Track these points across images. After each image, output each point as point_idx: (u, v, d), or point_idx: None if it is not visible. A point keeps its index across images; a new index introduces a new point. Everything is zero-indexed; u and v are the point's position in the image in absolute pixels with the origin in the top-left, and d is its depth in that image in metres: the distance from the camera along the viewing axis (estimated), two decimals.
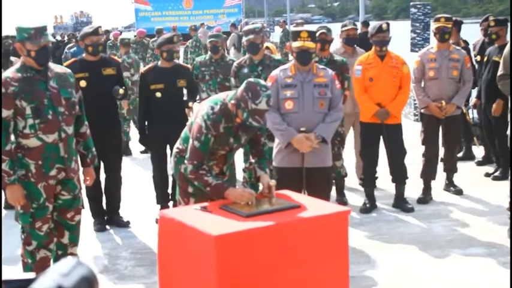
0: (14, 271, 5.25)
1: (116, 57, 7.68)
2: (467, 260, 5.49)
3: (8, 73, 4.61)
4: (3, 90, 4.50)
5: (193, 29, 19.26)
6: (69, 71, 4.92)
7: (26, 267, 4.79)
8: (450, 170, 7.42)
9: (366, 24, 17.04)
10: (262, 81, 4.28)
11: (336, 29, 7.68)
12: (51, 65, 4.77)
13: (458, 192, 7.32)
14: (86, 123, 4.98)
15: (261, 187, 4.47)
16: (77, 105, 4.80)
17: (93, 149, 5.04)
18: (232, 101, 4.24)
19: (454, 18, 8.57)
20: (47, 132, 4.57)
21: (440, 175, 7.31)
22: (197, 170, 4.30)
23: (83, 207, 5.00)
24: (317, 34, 6.73)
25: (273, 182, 4.31)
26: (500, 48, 7.61)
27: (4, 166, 4.52)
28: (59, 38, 26.45)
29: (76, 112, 4.78)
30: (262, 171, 4.47)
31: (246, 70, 6.58)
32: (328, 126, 5.27)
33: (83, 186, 6.46)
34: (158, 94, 6.53)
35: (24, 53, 4.60)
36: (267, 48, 7.35)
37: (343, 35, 7.58)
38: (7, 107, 4.50)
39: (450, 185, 7.43)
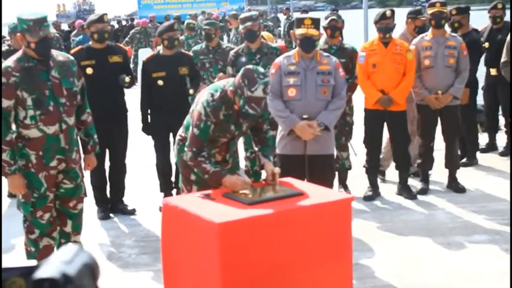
0: (17, 259, 5.27)
1: (122, 45, 7.67)
2: (470, 247, 5.49)
3: (10, 62, 4.58)
4: (4, 80, 4.48)
5: (195, 17, 19.13)
6: (72, 58, 4.89)
7: (30, 256, 4.80)
8: (452, 165, 7.15)
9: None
10: (260, 69, 4.28)
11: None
12: (53, 52, 4.74)
13: (461, 190, 7.02)
14: (88, 110, 4.96)
15: (264, 175, 4.48)
16: (79, 94, 4.79)
17: (95, 136, 5.03)
18: (231, 88, 4.26)
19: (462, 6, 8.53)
20: (48, 123, 4.56)
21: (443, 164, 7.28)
22: (196, 157, 4.32)
23: (86, 196, 5.00)
24: (327, 21, 6.73)
25: (277, 170, 4.32)
26: (464, 36, 7.54)
27: (5, 156, 4.52)
28: (66, 27, 25.88)
29: (78, 102, 4.77)
30: (266, 159, 4.48)
31: (243, 59, 6.54)
32: (330, 113, 5.26)
33: (87, 174, 6.49)
34: (160, 82, 6.53)
35: (25, 44, 4.57)
36: (262, 37, 7.28)
37: (418, 23, 7.48)
38: (8, 97, 4.49)
39: (453, 182, 7.13)
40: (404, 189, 6.95)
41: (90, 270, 1.14)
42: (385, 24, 6.65)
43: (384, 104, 6.62)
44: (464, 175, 7.36)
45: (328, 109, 5.28)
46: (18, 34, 4.62)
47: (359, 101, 7.25)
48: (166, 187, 6.83)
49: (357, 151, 7.25)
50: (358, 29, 16.50)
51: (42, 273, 1.09)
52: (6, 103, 4.49)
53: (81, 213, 4.95)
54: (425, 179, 7.14)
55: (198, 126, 4.33)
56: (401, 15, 8.95)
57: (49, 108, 4.54)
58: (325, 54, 5.53)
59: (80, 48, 6.70)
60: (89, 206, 6.63)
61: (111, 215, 6.70)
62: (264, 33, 7.69)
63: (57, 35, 15.78)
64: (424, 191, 7.02)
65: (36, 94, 4.52)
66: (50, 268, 1.09)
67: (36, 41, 4.51)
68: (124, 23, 29.63)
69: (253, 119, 4.48)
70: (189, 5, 35.82)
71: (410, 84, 6.77)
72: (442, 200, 6.79)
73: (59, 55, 4.79)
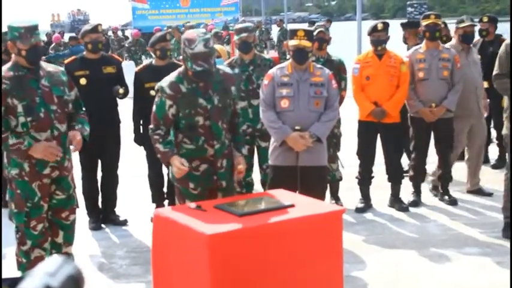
0: (7, 269, 5.23)
1: (117, 56, 7.66)
2: (462, 259, 5.49)
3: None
4: None
5: (176, 30, 19.20)
6: (61, 69, 4.93)
7: (21, 266, 4.78)
8: (445, 179, 7.17)
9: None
10: (201, 29, 4.58)
11: (334, 28, 7.62)
12: (43, 64, 4.78)
13: (453, 202, 7.04)
14: (83, 113, 4.94)
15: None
16: (71, 103, 4.79)
17: (86, 127, 4.89)
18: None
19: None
20: (40, 130, 4.56)
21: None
22: (152, 134, 4.52)
23: (78, 207, 4.99)
24: (315, 33, 6.72)
25: (240, 167, 4.55)
26: None
27: (11, 140, 4.50)
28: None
29: (69, 110, 4.76)
30: (238, 153, 4.64)
31: (236, 70, 6.52)
32: (323, 125, 5.27)
33: (79, 184, 6.44)
34: (153, 92, 6.50)
35: (15, 51, 4.60)
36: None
37: (459, 31, 7.23)
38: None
39: (445, 194, 7.17)
40: (396, 201, 6.95)
41: (75, 281, 1.13)
42: (377, 37, 6.70)
43: (377, 116, 6.64)
44: (457, 186, 7.37)
45: (321, 121, 5.28)
46: (9, 42, 4.63)
47: (346, 113, 7.26)
48: (158, 198, 6.82)
49: (349, 163, 7.25)
50: (351, 41, 16.57)
51: (26, 285, 1.08)
52: None
53: (73, 225, 4.94)
54: (417, 192, 7.15)
55: (156, 103, 4.53)
56: (395, 27, 8.97)
57: (40, 115, 4.55)
58: (319, 66, 5.54)
59: (74, 58, 6.71)
60: (81, 217, 6.62)
61: (103, 225, 6.68)
62: (219, 47, 7.33)
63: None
64: (416, 203, 7.03)
65: (27, 101, 4.53)
66: (33, 280, 1.09)
67: (27, 48, 4.54)
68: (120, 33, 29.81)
69: (225, 92, 4.57)
70: (183, 16, 35.87)
71: (404, 96, 6.79)
72: (434, 212, 6.80)
73: (48, 66, 4.83)
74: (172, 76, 4.52)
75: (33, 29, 4.57)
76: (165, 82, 4.49)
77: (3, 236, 5.73)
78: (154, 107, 4.53)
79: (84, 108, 5.00)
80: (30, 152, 4.53)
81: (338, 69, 6.76)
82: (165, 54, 6.57)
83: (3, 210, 6.84)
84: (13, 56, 4.67)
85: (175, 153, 4.44)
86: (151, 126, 4.54)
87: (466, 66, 7.02)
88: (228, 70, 4.79)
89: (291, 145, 5.21)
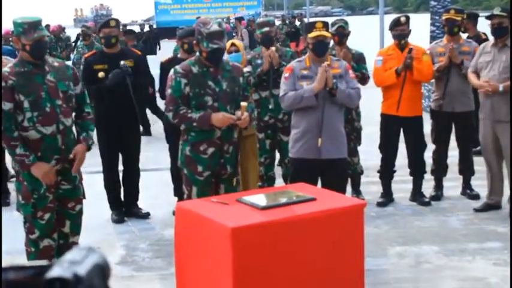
0: (16, 261, 5.27)
1: (135, 50, 7.69)
2: (483, 253, 5.47)
3: (6, 68, 4.73)
4: (3, 83, 4.60)
5: None
6: (67, 63, 5.06)
7: (30, 256, 4.86)
8: (466, 172, 7.14)
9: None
10: (212, 16, 4.77)
11: (356, 22, 7.62)
12: (49, 58, 4.89)
13: (475, 197, 6.95)
14: (88, 110, 5.00)
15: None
16: (74, 98, 4.86)
17: (91, 132, 4.96)
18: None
19: (466, 11, 8.48)
20: (45, 124, 4.66)
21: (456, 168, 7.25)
22: (177, 112, 4.64)
23: (84, 198, 5.04)
24: (334, 27, 6.72)
25: (243, 104, 4.63)
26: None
27: (19, 150, 4.60)
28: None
29: (73, 105, 4.85)
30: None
31: (259, 61, 6.58)
32: (345, 90, 5.28)
33: (101, 178, 6.52)
34: None
35: (19, 46, 4.72)
36: (233, 45, 7.10)
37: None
38: (9, 100, 4.60)
39: (467, 188, 7.11)
40: (417, 196, 6.93)
41: (101, 270, 1.16)
42: (399, 31, 6.67)
43: (406, 61, 6.48)
44: (477, 180, 7.32)
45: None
46: (14, 37, 4.77)
47: (367, 106, 7.23)
48: (180, 191, 6.83)
49: (370, 156, 7.23)
50: (374, 35, 16.50)
51: (53, 273, 1.11)
52: (8, 105, 4.60)
53: (79, 215, 5.01)
54: (438, 186, 7.12)
55: (170, 86, 4.72)
56: (418, 21, 8.92)
57: (46, 110, 4.65)
58: (335, 58, 5.55)
59: (94, 52, 6.80)
60: (104, 210, 6.69)
61: (126, 218, 6.73)
62: (236, 42, 7.27)
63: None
64: (438, 198, 7.00)
65: (33, 96, 4.63)
66: (61, 268, 1.12)
67: (30, 43, 4.65)
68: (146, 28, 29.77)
69: (232, 80, 4.77)
70: (205, 10, 35.92)
71: (430, 68, 6.70)
72: (455, 206, 6.77)
73: (54, 61, 4.92)
74: (185, 61, 4.83)
75: (36, 24, 4.69)
76: (178, 66, 4.77)
77: (13, 230, 5.78)
78: (169, 91, 4.73)
79: (88, 101, 5.06)
80: (32, 170, 4.64)
81: (358, 60, 6.79)
82: (191, 49, 6.59)
83: (3, 208, 6.86)
84: (20, 52, 4.78)
85: (211, 112, 4.60)
86: (170, 108, 4.69)
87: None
88: (236, 63, 5.02)
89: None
